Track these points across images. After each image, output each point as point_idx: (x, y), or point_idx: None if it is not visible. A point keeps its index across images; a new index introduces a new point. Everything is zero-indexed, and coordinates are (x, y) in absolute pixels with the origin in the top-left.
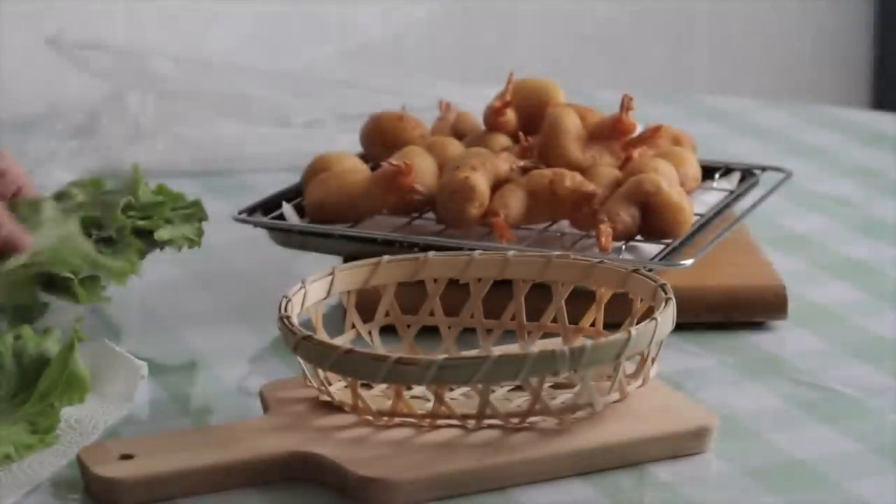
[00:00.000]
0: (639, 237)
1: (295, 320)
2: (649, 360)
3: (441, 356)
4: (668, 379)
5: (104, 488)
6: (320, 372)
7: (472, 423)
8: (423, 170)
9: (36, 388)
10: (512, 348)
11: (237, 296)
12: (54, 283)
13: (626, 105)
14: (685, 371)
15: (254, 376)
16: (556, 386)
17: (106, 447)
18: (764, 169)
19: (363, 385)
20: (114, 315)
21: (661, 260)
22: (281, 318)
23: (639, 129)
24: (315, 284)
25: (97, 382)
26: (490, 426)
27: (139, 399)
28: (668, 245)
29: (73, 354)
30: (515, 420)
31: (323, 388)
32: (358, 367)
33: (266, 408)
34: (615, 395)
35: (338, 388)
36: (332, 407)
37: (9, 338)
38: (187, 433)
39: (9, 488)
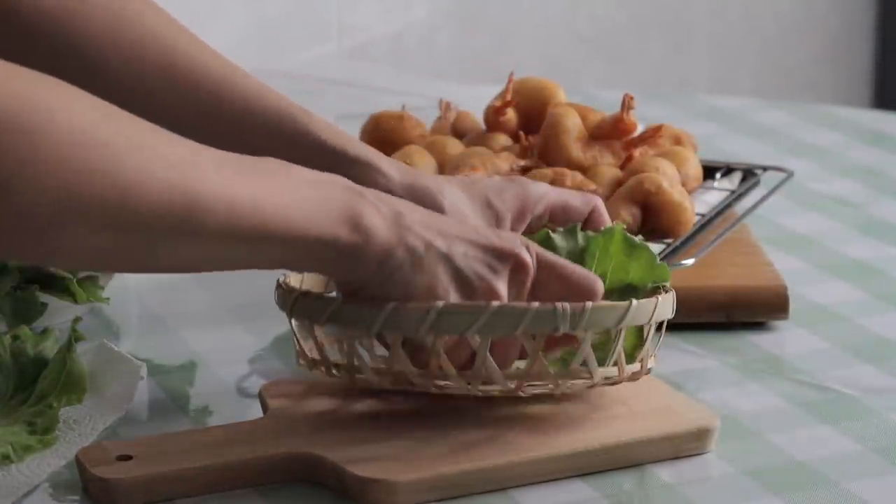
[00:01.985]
0: (640, 236)
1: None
2: (648, 343)
3: (440, 302)
4: (668, 379)
5: (103, 489)
6: (317, 331)
7: (469, 386)
8: (423, 169)
9: (34, 388)
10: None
11: (237, 296)
12: (53, 284)
13: (626, 104)
14: (686, 371)
15: (253, 377)
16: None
17: (104, 448)
18: (765, 169)
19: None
20: (113, 315)
21: (661, 259)
22: (279, 284)
23: (639, 129)
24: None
25: (96, 383)
26: (486, 391)
27: (138, 399)
28: (668, 245)
29: (71, 354)
30: (512, 385)
31: (318, 357)
32: (354, 316)
33: (265, 408)
34: (613, 370)
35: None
36: (333, 408)
37: (7, 338)
38: (186, 434)
39: (7, 489)
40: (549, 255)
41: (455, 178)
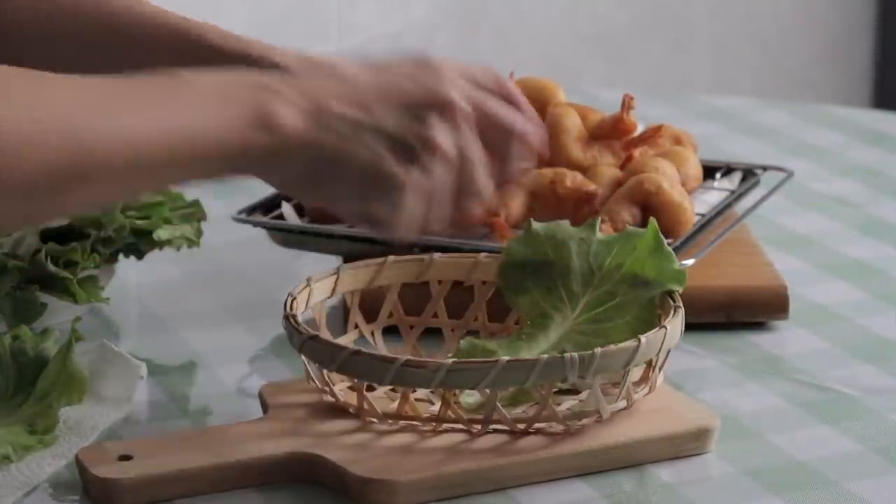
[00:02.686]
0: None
1: (300, 319)
2: (657, 368)
3: (450, 360)
4: (669, 379)
5: (103, 489)
6: (325, 373)
7: (478, 427)
8: None
9: (34, 388)
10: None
11: (237, 296)
12: (53, 283)
13: (626, 105)
14: (686, 371)
15: (253, 377)
16: (562, 391)
17: (105, 448)
18: (765, 168)
19: (368, 387)
20: (113, 315)
21: None
22: (286, 317)
23: (639, 129)
24: (319, 283)
25: (96, 383)
26: (496, 431)
27: (138, 399)
28: (668, 244)
29: (71, 354)
30: (522, 426)
31: (327, 388)
32: (364, 368)
33: (265, 408)
34: (622, 403)
35: (341, 389)
36: (333, 408)
37: (7, 338)
38: (186, 434)
39: (7, 489)
40: (482, 98)
41: (365, 65)
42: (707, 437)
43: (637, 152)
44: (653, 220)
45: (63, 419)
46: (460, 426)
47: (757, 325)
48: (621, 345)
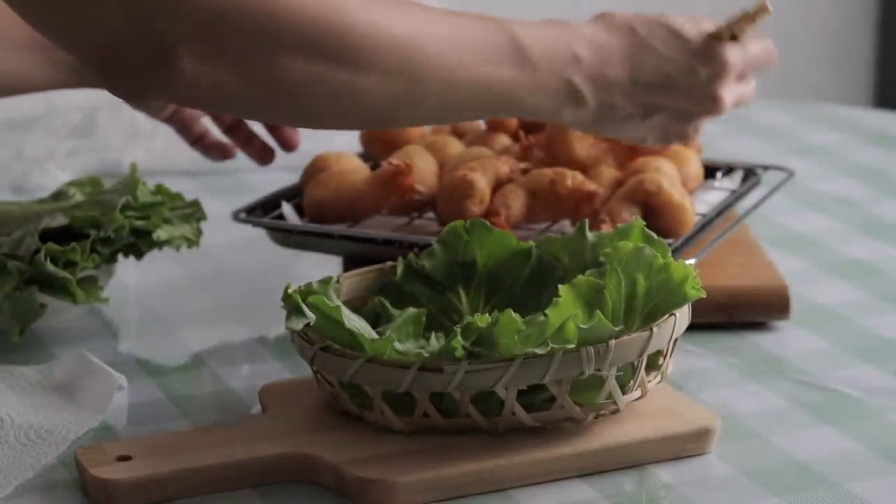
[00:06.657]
0: None
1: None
2: (668, 357)
3: (465, 361)
4: (669, 379)
5: (102, 490)
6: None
7: (500, 427)
8: (423, 169)
9: None
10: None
11: (236, 296)
12: (52, 284)
13: None
14: (687, 372)
15: (253, 377)
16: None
17: (104, 448)
18: (766, 168)
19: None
20: (112, 315)
21: None
22: (295, 332)
23: None
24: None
25: (72, 393)
26: (512, 430)
27: (139, 399)
28: (669, 245)
29: None
30: (539, 423)
31: (342, 397)
32: (381, 376)
33: (265, 409)
34: (637, 393)
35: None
36: (332, 408)
37: None
38: (185, 434)
39: None
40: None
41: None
42: (708, 437)
43: (638, 152)
44: (638, 219)
45: (35, 428)
46: (478, 425)
47: (758, 326)
48: (634, 335)
